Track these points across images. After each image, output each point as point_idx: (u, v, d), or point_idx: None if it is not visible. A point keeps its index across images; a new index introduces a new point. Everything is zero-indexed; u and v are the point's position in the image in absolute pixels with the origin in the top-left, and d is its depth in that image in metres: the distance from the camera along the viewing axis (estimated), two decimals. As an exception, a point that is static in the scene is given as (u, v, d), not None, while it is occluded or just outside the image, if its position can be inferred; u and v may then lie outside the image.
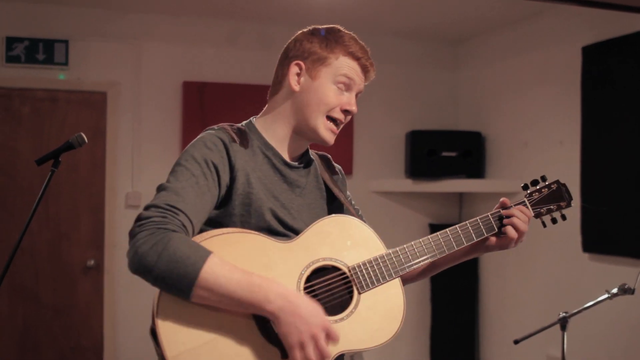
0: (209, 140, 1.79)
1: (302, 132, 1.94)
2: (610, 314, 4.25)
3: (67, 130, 5.10)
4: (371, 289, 1.82)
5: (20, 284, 5.05)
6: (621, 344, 4.40)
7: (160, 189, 1.72)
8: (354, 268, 1.82)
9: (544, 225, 2.17)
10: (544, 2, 4.25)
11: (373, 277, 1.83)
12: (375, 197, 5.94)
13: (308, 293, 1.76)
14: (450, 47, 6.26)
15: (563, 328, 3.19)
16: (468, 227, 2.00)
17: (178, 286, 1.60)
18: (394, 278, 1.87)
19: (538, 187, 2.14)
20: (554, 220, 2.17)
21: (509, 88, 5.63)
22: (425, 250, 1.93)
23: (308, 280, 1.78)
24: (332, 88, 1.91)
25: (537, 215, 2.13)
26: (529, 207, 2.10)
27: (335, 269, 1.82)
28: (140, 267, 1.63)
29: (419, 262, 1.92)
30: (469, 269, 5.91)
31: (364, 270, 1.83)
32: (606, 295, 3.14)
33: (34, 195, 2.50)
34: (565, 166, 4.86)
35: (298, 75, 1.92)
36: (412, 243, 1.92)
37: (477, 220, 2.02)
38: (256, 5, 5.08)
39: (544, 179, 2.15)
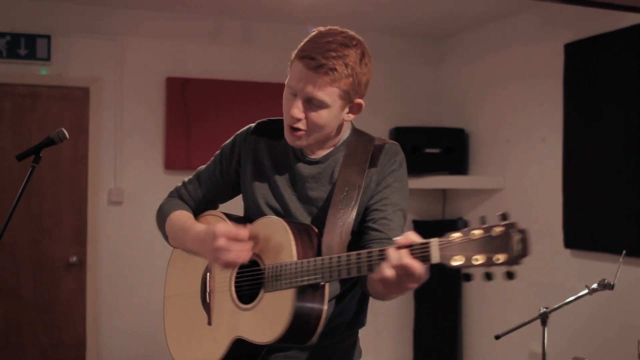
0: (238, 133, 2.15)
1: None
2: (590, 309, 4.29)
3: (49, 126, 5.07)
4: (271, 291, 1.87)
5: (1, 281, 5.02)
6: (601, 339, 4.43)
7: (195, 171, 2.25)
8: (265, 268, 1.90)
9: (466, 278, 1.53)
10: None
11: (272, 281, 1.86)
12: (359, 194, 5.93)
13: (238, 278, 1.99)
14: (434, 44, 6.28)
15: (544, 323, 3.21)
16: (350, 260, 1.71)
17: (164, 236, 2.21)
18: (286, 288, 1.82)
19: (465, 229, 1.51)
20: (487, 276, 1.51)
21: (492, 85, 5.65)
22: (313, 271, 1.78)
23: (242, 267, 1.97)
24: (286, 94, 1.92)
25: (448, 266, 1.53)
26: (413, 249, 1.56)
27: (258, 264, 1.94)
28: (157, 223, 2.24)
29: (305, 281, 1.79)
30: (451, 265, 5.93)
31: (269, 272, 1.88)
32: (586, 291, 3.17)
33: (15, 192, 2.48)
34: (548, 162, 4.89)
35: None
36: (313, 260, 1.79)
37: (359, 254, 1.70)
38: (239, 2, 5.07)
39: (503, 217, 1.50)
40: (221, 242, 1.87)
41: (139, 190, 5.30)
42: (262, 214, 2.01)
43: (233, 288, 1.98)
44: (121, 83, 5.32)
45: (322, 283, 1.82)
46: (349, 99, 1.94)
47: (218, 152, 2.17)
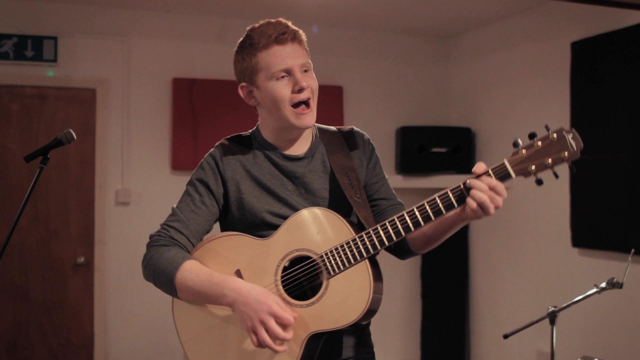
0: (204, 162, 2.13)
1: (285, 127, 2.09)
2: (599, 308, 4.28)
3: (56, 127, 5.09)
4: (338, 273, 1.93)
5: (10, 282, 5.03)
6: (610, 338, 4.42)
7: (172, 211, 2.13)
8: (321, 256, 1.95)
9: (538, 182, 1.87)
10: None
11: (339, 262, 1.93)
12: (366, 193, 5.93)
13: (284, 282, 1.98)
14: (440, 43, 6.27)
15: (552, 322, 3.21)
16: (426, 208, 1.89)
17: (168, 291, 2.02)
18: (359, 262, 1.93)
19: (529, 143, 1.86)
20: (555, 175, 1.86)
21: (499, 84, 5.64)
22: (382, 235, 1.92)
23: (286, 269, 1.99)
24: (275, 84, 2.02)
25: (524, 175, 1.87)
26: (492, 175, 1.86)
27: (307, 257, 1.97)
28: (146, 278, 2.09)
29: (381, 247, 1.93)
30: (458, 263, 5.93)
31: (330, 257, 1.94)
32: (595, 290, 3.16)
33: (24, 193, 2.50)
34: (555, 161, 4.88)
35: (250, 93, 2.11)
36: (378, 226, 1.93)
37: (434, 198, 1.89)
38: (245, 2, 5.07)
39: (546, 128, 1.85)
40: (272, 324, 1.86)
41: (146, 191, 5.31)
42: (270, 226, 2.06)
43: (283, 291, 1.97)
44: (128, 84, 5.33)
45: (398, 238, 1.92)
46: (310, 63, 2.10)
47: (191, 185, 2.11)
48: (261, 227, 2.07)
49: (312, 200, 2.10)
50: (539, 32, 5.15)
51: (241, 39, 2.12)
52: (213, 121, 5.37)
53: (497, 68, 5.66)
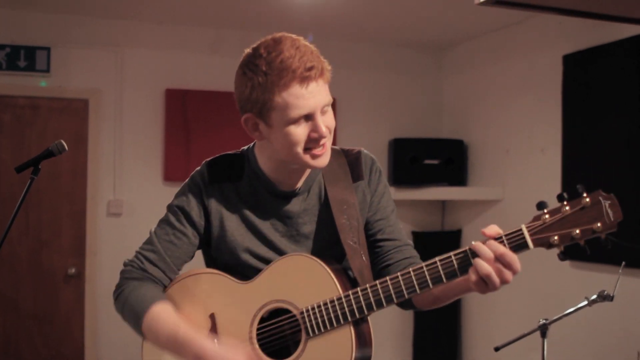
0: (188, 187, 1.90)
1: (292, 164, 1.81)
2: (590, 321, 4.28)
3: (49, 137, 5.07)
4: (318, 335, 1.72)
5: (0, 293, 5.01)
6: (600, 350, 4.42)
7: (149, 237, 1.93)
8: (302, 312, 1.74)
9: (561, 257, 1.62)
10: (525, 11, 4.28)
11: (320, 322, 1.71)
12: (358, 205, 5.93)
13: (260, 335, 1.79)
14: (433, 55, 6.29)
15: (543, 335, 3.20)
16: (424, 273, 1.64)
17: (136, 331, 1.85)
18: (342, 325, 1.71)
19: (555, 207, 1.55)
20: (585, 250, 1.59)
21: (491, 96, 5.66)
22: (371, 299, 1.69)
23: (263, 320, 1.80)
24: (292, 129, 1.70)
25: (543, 245, 1.59)
26: (505, 242, 1.57)
27: (288, 310, 1.77)
28: (116, 311, 1.92)
29: (368, 312, 1.71)
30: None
31: (311, 315, 1.72)
32: (585, 302, 3.16)
33: (14, 203, 2.48)
34: (547, 174, 4.89)
35: (255, 125, 1.77)
36: (368, 286, 1.70)
37: (435, 262, 1.63)
38: (239, 13, 5.08)
39: (579, 191, 1.57)
40: None
41: (138, 202, 5.30)
42: (248, 268, 1.85)
43: (257, 347, 1.79)
44: (121, 94, 5.32)
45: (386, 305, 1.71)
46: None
47: (172, 212, 1.90)
48: (239, 268, 1.87)
49: (304, 243, 1.87)
50: (531, 45, 5.18)
51: (250, 54, 1.74)
52: (206, 132, 5.37)
53: (490, 80, 5.68)
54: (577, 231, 1.54)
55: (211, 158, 1.93)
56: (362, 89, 6.03)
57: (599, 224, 1.53)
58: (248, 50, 1.76)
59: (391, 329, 6.01)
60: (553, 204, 1.56)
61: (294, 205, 1.87)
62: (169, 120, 5.39)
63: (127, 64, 5.35)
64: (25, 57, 5.04)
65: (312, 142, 1.72)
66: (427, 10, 5.06)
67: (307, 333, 1.73)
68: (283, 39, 1.71)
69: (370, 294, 1.69)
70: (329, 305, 1.71)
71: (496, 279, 1.55)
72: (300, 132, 1.70)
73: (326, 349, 1.72)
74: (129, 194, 5.31)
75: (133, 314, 1.81)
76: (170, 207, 1.91)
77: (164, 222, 1.90)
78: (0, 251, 2.48)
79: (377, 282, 1.69)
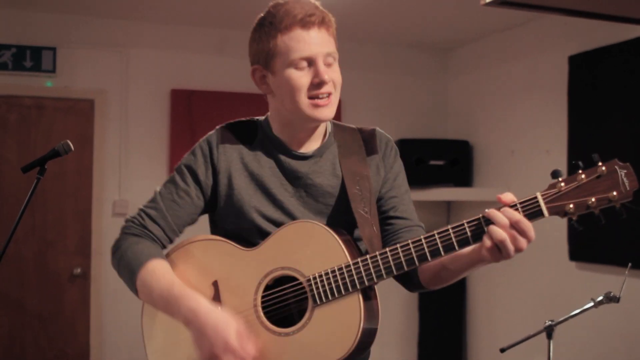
0: (198, 146, 1.89)
1: (298, 120, 1.83)
2: (596, 322, 4.27)
3: (54, 137, 5.08)
4: (325, 303, 1.69)
5: (5, 293, 5.02)
6: (607, 352, 4.41)
7: (153, 195, 1.92)
8: (309, 279, 1.70)
9: (577, 226, 1.55)
10: (530, 12, 4.27)
11: (328, 290, 1.68)
12: (363, 206, 5.93)
13: (265, 302, 1.75)
14: (438, 56, 6.28)
15: (549, 336, 3.19)
16: (436, 240, 1.63)
17: (130, 288, 1.83)
18: (351, 293, 1.67)
19: (571, 176, 1.54)
20: (599, 219, 1.56)
21: (497, 97, 5.65)
22: (381, 267, 1.66)
23: (268, 288, 1.76)
24: (293, 72, 1.75)
25: (560, 215, 1.55)
26: (520, 209, 1.55)
27: (294, 278, 1.74)
28: (112, 266, 1.91)
29: (378, 279, 1.68)
30: (456, 278, 5.92)
31: (318, 282, 1.69)
32: (591, 304, 3.15)
33: (21, 203, 2.49)
34: (552, 175, 4.88)
35: (263, 78, 1.84)
36: (377, 254, 1.67)
37: (448, 229, 1.63)
38: (244, 14, 5.06)
39: (594, 159, 1.55)
40: (226, 355, 1.63)
41: (143, 202, 5.29)
42: (259, 231, 1.82)
43: (262, 314, 1.75)
44: (126, 95, 5.33)
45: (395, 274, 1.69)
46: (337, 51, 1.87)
47: (178, 172, 1.89)
48: (249, 231, 1.83)
49: (313, 206, 1.84)
50: (537, 46, 5.17)
51: (262, 14, 1.84)
52: (211, 133, 5.37)
53: (495, 81, 5.67)
54: (593, 199, 1.51)
55: (224, 123, 1.94)
56: (368, 90, 6.03)
57: (614, 193, 1.51)
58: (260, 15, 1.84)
59: (396, 330, 6.00)
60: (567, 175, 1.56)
61: (304, 167, 1.85)
62: (174, 120, 5.39)
63: (132, 64, 5.36)
64: (31, 58, 5.05)
65: (315, 89, 1.75)
66: (433, 11, 5.06)
67: (315, 301, 1.69)
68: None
69: (380, 262, 1.66)
70: (337, 272, 1.68)
71: (510, 246, 1.53)
72: (302, 76, 1.75)
73: (334, 317, 1.68)
74: (134, 194, 5.31)
75: (128, 269, 1.79)
76: (177, 167, 1.90)
77: (170, 181, 1.89)
78: (6, 251, 2.49)
79: (387, 249, 1.66)
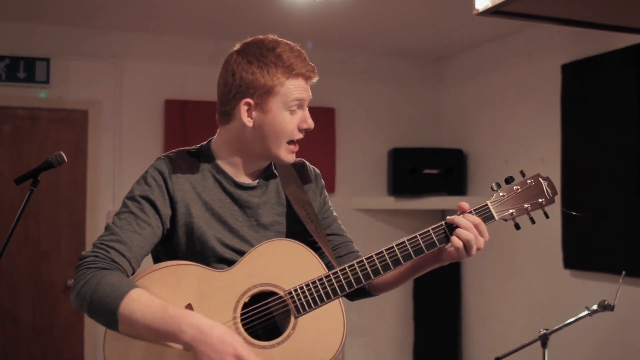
0: (149, 176, 1.89)
1: (261, 157, 1.95)
2: (590, 331, 4.27)
3: (48, 148, 5.07)
4: (308, 312, 1.79)
5: (-1, 304, 5.00)
6: (603, 360, 4.41)
7: (106, 228, 1.84)
8: (290, 292, 1.79)
9: (517, 227, 1.94)
10: (523, 21, 4.29)
11: (310, 300, 1.79)
12: (358, 215, 5.94)
13: (244, 320, 1.78)
14: (432, 65, 6.30)
15: (544, 345, 3.19)
16: (406, 246, 1.86)
17: (105, 322, 1.73)
18: (332, 300, 1.81)
19: (509, 185, 1.95)
20: (532, 221, 1.98)
21: (490, 105, 5.67)
22: (360, 274, 1.83)
23: (247, 306, 1.79)
24: (286, 115, 1.89)
25: (505, 219, 1.93)
26: (475, 213, 1.88)
27: (273, 293, 1.80)
28: (77, 305, 1.81)
29: (355, 287, 1.83)
30: (450, 286, 5.92)
31: (299, 294, 1.79)
32: (586, 312, 3.15)
33: (14, 215, 2.48)
34: (546, 183, 4.89)
35: (248, 111, 1.88)
36: (355, 262, 1.84)
37: (416, 236, 1.86)
38: (237, 24, 5.09)
39: (522, 174, 1.97)
40: None
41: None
42: (220, 259, 1.86)
43: (243, 330, 1.78)
44: (120, 105, 5.33)
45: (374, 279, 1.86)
46: None
47: (134, 202, 1.86)
48: (210, 259, 1.87)
49: (265, 234, 1.93)
50: (530, 55, 5.18)
51: (253, 46, 1.94)
52: (205, 143, 5.37)
53: (489, 90, 5.69)
54: (527, 205, 1.93)
55: (166, 153, 1.97)
56: (362, 99, 6.04)
57: (541, 199, 1.94)
58: (247, 41, 1.98)
59: (392, 340, 5.99)
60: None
61: (253, 197, 1.95)
62: (168, 130, 5.39)
63: (126, 75, 5.36)
64: (24, 68, 5.05)
65: (298, 134, 1.91)
66: (426, 21, 5.08)
67: (297, 311, 1.79)
68: (280, 40, 1.96)
69: (358, 269, 1.83)
70: (318, 283, 1.80)
71: (474, 245, 1.83)
72: (290, 120, 1.88)
73: (318, 324, 1.78)
74: (128, 205, 5.29)
75: (106, 302, 1.70)
76: (131, 198, 1.87)
77: (126, 212, 1.84)
78: (-1, 263, 2.48)
79: (363, 258, 1.85)
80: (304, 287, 1.79)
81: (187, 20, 5.09)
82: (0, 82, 5.01)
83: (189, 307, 1.77)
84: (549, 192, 1.94)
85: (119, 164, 5.31)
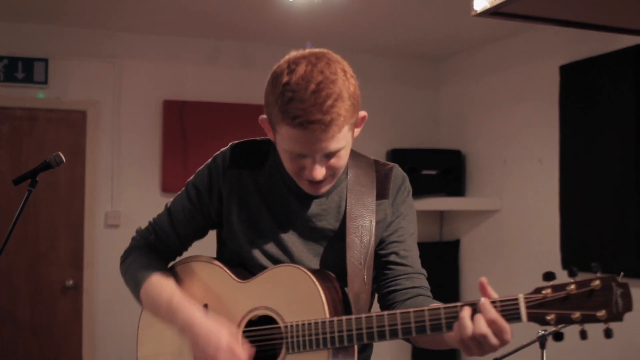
0: (208, 167, 1.86)
1: None
2: (589, 332, 4.26)
3: (46, 149, 5.07)
4: (297, 353, 1.66)
5: (-3, 305, 5.00)
6: (601, 361, 4.41)
7: (165, 207, 1.96)
8: (287, 326, 1.67)
9: (557, 337, 1.48)
10: (522, 22, 4.29)
11: (302, 342, 1.65)
12: (356, 216, 5.93)
13: (247, 337, 1.75)
14: (430, 66, 6.30)
15: (542, 346, 3.19)
16: (411, 322, 1.53)
17: (134, 296, 1.90)
18: (322, 350, 1.63)
19: (560, 283, 1.41)
20: (581, 335, 1.45)
21: (489, 106, 5.67)
22: (354, 333, 1.60)
23: (252, 324, 1.76)
24: (286, 157, 1.68)
25: (538, 321, 1.44)
26: (493, 307, 1.46)
27: (274, 320, 1.71)
28: (121, 274, 1.97)
29: (350, 343, 1.62)
30: (449, 286, 5.92)
31: (294, 332, 1.66)
32: (585, 313, 3.14)
33: (12, 215, 2.48)
34: (544, 183, 4.89)
35: (268, 128, 1.74)
36: (353, 317, 1.61)
37: (423, 312, 1.52)
38: (236, 25, 5.09)
39: (595, 269, 1.41)
40: (221, 355, 1.65)
41: (135, 213, 5.28)
42: (256, 263, 1.80)
43: None
44: (118, 106, 5.32)
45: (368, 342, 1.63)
46: (354, 121, 1.74)
47: (190, 187, 1.88)
48: (244, 259, 1.83)
49: (312, 247, 1.79)
50: (528, 55, 5.19)
51: (284, 67, 1.63)
52: (203, 143, 5.36)
53: (487, 91, 5.69)
54: (578, 314, 1.39)
55: (238, 141, 1.88)
56: (360, 100, 6.03)
57: (603, 312, 1.37)
58: (289, 56, 1.67)
59: (389, 342, 5.98)
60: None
61: (309, 207, 1.79)
62: (166, 131, 5.38)
63: (124, 76, 5.35)
64: (22, 69, 5.04)
65: (303, 178, 1.69)
66: (425, 21, 5.08)
67: (287, 349, 1.67)
68: (315, 72, 1.60)
69: (354, 327, 1.60)
70: (313, 326, 1.64)
71: (478, 345, 1.43)
72: (290, 161, 1.68)
73: None
74: (126, 205, 5.29)
75: (134, 279, 1.87)
76: (188, 184, 1.90)
77: (180, 197, 1.91)
78: (-3, 263, 2.48)
79: (362, 315, 1.60)
80: (300, 326, 1.65)
81: (186, 21, 5.09)
82: (-2, 83, 5.01)
83: (206, 307, 1.82)
84: (620, 304, 1.38)
85: (118, 164, 5.31)
